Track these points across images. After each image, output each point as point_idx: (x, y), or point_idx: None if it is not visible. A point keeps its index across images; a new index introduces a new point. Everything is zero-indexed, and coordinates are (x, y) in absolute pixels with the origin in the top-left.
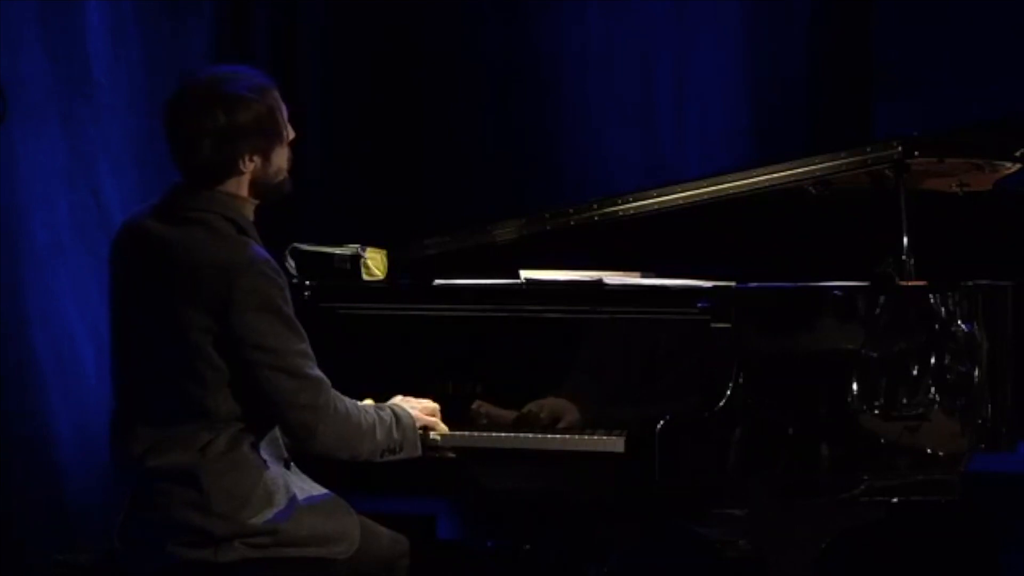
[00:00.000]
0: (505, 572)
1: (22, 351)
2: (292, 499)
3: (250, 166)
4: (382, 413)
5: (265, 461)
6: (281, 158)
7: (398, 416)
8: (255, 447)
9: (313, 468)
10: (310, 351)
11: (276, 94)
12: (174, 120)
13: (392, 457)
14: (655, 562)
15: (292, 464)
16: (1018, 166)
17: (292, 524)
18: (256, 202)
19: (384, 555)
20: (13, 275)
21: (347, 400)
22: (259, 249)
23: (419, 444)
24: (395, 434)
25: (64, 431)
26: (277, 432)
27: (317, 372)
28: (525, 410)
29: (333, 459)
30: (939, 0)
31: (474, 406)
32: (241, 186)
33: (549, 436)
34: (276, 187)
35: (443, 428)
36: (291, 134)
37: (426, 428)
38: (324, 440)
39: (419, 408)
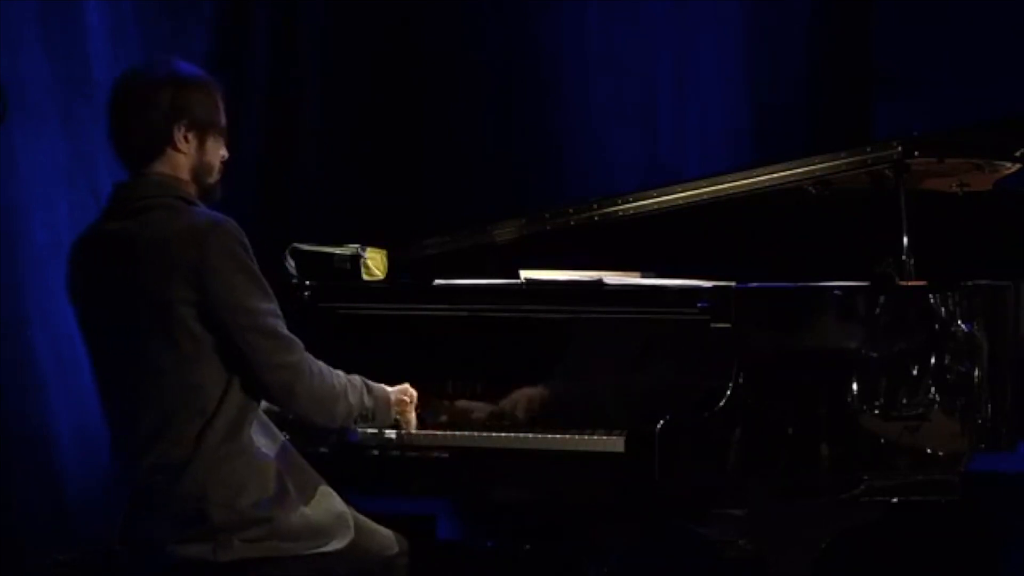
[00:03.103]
0: (505, 572)
1: (22, 351)
2: (286, 488)
3: (184, 146)
4: (352, 378)
5: (259, 448)
6: (214, 153)
7: (368, 384)
8: (248, 435)
9: (312, 463)
10: (279, 311)
11: (221, 93)
12: (120, 99)
13: (365, 425)
14: (655, 562)
15: (289, 444)
16: (1018, 166)
17: (286, 513)
18: (197, 191)
19: (383, 554)
20: (13, 275)
21: (321, 363)
22: (217, 213)
23: (391, 413)
24: (366, 400)
25: (64, 431)
26: (267, 420)
27: (289, 333)
28: (524, 409)
29: (311, 424)
30: (939, 0)
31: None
32: (181, 168)
33: (549, 436)
34: (206, 188)
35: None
36: (224, 151)
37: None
38: (302, 401)
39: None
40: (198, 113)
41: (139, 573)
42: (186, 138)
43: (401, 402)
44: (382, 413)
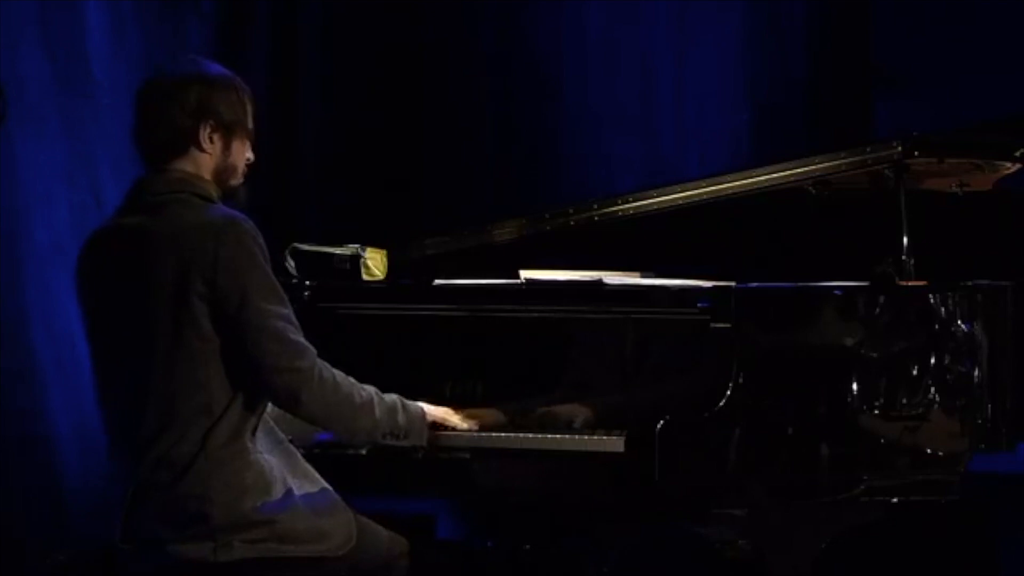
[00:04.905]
0: (505, 572)
1: (22, 351)
2: (289, 492)
3: (208, 146)
4: (385, 395)
5: (262, 452)
6: (239, 155)
7: (404, 403)
8: (253, 438)
9: (312, 463)
10: (294, 318)
11: (250, 95)
12: (147, 96)
13: (395, 442)
14: (655, 562)
15: (293, 447)
16: (1018, 166)
17: (288, 516)
18: (220, 193)
19: (383, 555)
20: (13, 275)
21: (339, 373)
22: (235, 211)
23: (425, 433)
24: (400, 419)
25: (64, 431)
26: (272, 423)
27: (301, 339)
28: (525, 410)
29: (333, 432)
30: (939, 0)
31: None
32: (204, 168)
33: (549, 436)
34: (228, 189)
35: (456, 422)
36: (250, 153)
37: (437, 425)
38: (310, 407)
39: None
40: (225, 114)
41: (139, 572)
42: (211, 138)
43: (440, 421)
44: (416, 433)
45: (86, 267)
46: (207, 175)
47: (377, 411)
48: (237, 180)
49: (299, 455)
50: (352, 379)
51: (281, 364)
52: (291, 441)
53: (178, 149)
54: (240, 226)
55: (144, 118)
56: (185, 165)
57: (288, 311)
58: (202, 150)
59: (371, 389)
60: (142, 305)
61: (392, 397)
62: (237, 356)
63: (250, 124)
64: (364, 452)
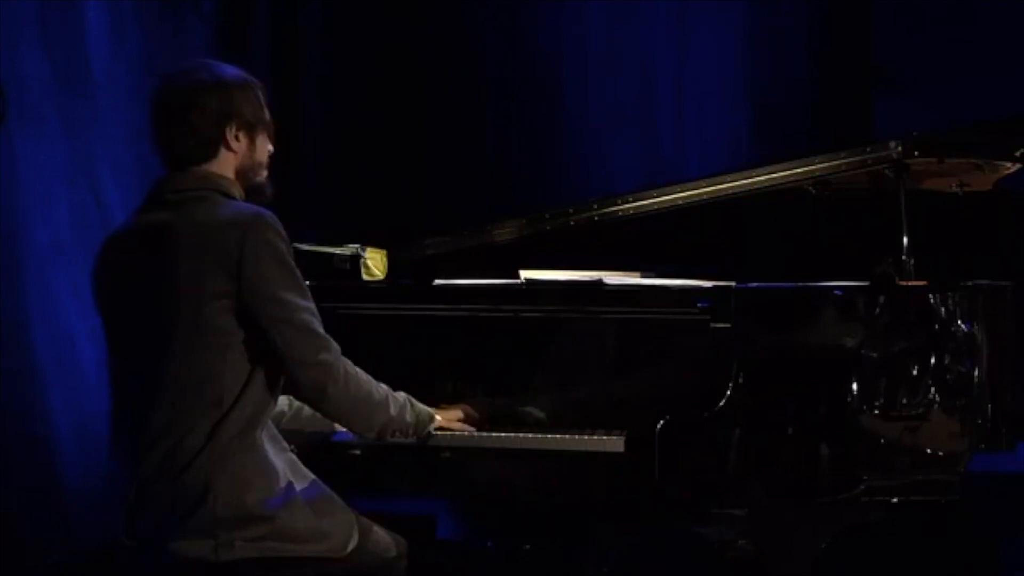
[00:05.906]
0: (505, 572)
1: (22, 351)
2: (290, 489)
3: (236, 145)
4: (396, 393)
5: (267, 451)
6: (263, 149)
7: (412, 402)
8: (260, 436)
9: (313, 464)
10: (316, 311)
11: (262, 88)
12: (166, 102)
13: (402, 439)
14: (655, 562)
15: (295, 455)
16: (1018, 166)
17: (288, 514)
18: (242, 192)
19: (383, 555)
20: (13, 275)
21: (360, 369)
22: (259, 206)
23: (431, 433)
24: (408, 416)
25: (64, 431)
26: (275, 429)
27: (325, 333)
28: (524, 410)
29: (351, 428)
30: (939, 0)
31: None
32: (228, 166)
33: (549, 436)
34: (257, 186)
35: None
36: (270, 146)
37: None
38: (336, 401)
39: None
40: (246, 113)
41: (139, 571)
42: (237, 137)
43: (447, 424)
44: (422, 431)
45: (107, 264)
46: (230, 173)
47: (392, 408)
48: (262, 175)
49: (299, 461)
50: (369, 376)
51: (307, 358)
52: (292, 450)
53: (206, 154)
54: (265, 220)
55: (167, 129)
56: (211, 166)
57: (311, 304)
58: (230, 150)
59: (384, 386)
60: (165, 300)
61: (402, 395)
62: (263, 350)
63: (267, 116)
64: (359, 452)
